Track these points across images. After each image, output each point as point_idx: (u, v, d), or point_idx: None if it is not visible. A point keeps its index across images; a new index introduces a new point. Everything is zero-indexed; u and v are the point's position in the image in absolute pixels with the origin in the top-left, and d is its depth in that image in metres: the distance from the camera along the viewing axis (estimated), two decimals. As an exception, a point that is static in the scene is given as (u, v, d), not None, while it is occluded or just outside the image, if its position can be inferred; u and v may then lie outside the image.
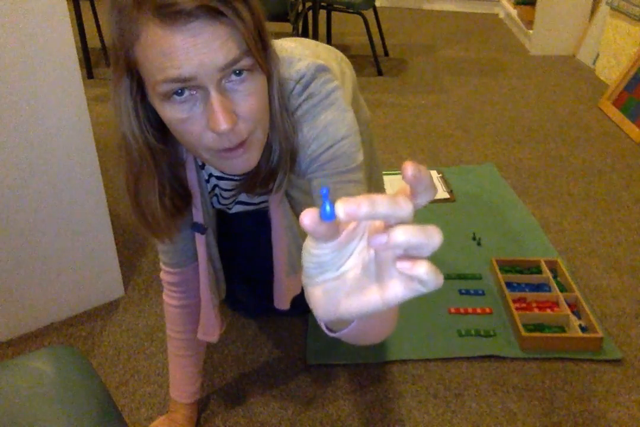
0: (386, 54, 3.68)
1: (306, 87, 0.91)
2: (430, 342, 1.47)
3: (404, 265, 0.40)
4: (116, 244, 1.62)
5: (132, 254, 1.83)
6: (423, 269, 0.39)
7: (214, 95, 0.73)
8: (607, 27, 3.15)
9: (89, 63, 3.35)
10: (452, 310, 1.57)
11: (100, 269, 1.60)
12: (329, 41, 3.83)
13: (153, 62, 0.72)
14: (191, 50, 0.70)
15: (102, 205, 1.52)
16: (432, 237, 0.40)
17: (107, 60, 3.60)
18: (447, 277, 1.69)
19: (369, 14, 3.34)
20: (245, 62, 0.74)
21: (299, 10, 3.22)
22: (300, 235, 1.13)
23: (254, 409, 1.32)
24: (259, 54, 0.76)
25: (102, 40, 3.61)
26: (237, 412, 1.32)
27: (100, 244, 1.57)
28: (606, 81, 3.14)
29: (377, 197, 0.39)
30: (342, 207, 0.38)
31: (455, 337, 1.48)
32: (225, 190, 1.06)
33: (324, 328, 0.61)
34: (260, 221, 1.08)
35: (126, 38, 0.73)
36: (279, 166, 0.90)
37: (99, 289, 1.62)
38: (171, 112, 0.76)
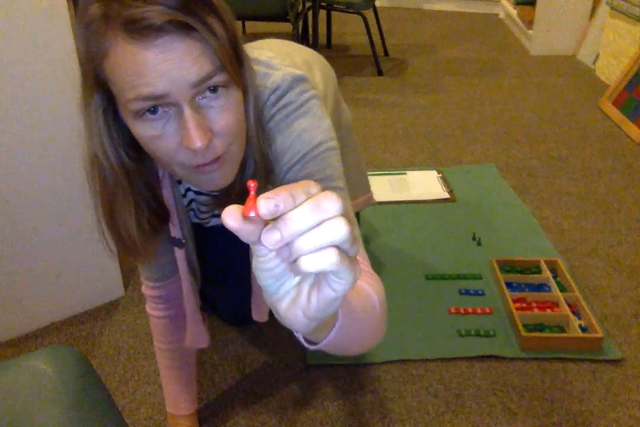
0: (386, 54, 3.68)
1: (280, 97, 0.88)
2: (430, 342, 1.47)
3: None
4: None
5: (132, 254, 1.83)
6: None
7: (188, 113, 0.70)
8: (607, 27, 3.15)
9: (89, 63, 3.34)
10: (452, 310, 1.57)
11: (100, 269, 1.60)
12: (329, 41, 3.83)
13: (124, 79, 0.69)
14: (162, 66, 0.67)
15: (102, 205, 1.52)
16: (326, 211, 0.39)
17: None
18: (447, 277, 1.69)
19: (369, 14, 3.33)
20: (219, 78, 0.71)
21: (299, 10, 3.22)
22: None
23: (254, 409, 1.32)
24: (234, 69, 0.74)
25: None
26: (237, 412, 1.32)
27: (100, 244, 1.57)
28: (606, 81, 3.14)
29: (298, 192, 0.40)
30: (264, 204, 0.38)
31: (455, 337, 1.48)
32: (202, 204, 1.04)
33: (304, 343, 0.60)
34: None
35: (95, 54, 0.70)
36: None
37: (99, 289, 1.62)
38: (144, 130, 0.73)
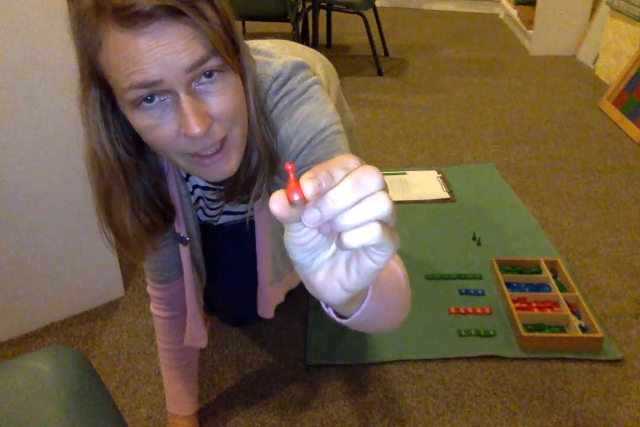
0: (386, 54, 3.68)
1: (283, 84, 0.88)
2: (430, 342, 1.47)
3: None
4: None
5: (132, 254, 1.83)
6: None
7: (184, 99, 0.70)
8: (607, 27, 3.15)
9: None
10: (452, 310, 1.57)
11: (100, 269, 1.60)
12: (328, 41, 3.83)
13: (117, 68, 0.69)
14: (154, 52, 0.67)
15: (102, 205, 1.52)
16: (367, 187, 0.39)
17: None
18: (447, 277, 1.69)
19: (369, 14, 3.33)
20: (214, 62, 0.71)
21: (299, 10, 3.22)
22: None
23: (254, 409, 1.32)
24: (229, 53, 0.73)
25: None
26: (237, 412, 1.32)
27: (100, 244, 1.57)
28: (606, 81, 3.13)
29: (336, 169, 0.39)
30: (309, 186, 0.37)
31: (455, 337, 1.48)
32: (211, 200, 1.03)
33: (334, 317, 0.59)
34: (244, 231, 1.03)
35: (89, 47, 0.70)
36: (258, 171, 0.86)
37: (99, 289, 1.62)
38: (142, 120, 0.72)
